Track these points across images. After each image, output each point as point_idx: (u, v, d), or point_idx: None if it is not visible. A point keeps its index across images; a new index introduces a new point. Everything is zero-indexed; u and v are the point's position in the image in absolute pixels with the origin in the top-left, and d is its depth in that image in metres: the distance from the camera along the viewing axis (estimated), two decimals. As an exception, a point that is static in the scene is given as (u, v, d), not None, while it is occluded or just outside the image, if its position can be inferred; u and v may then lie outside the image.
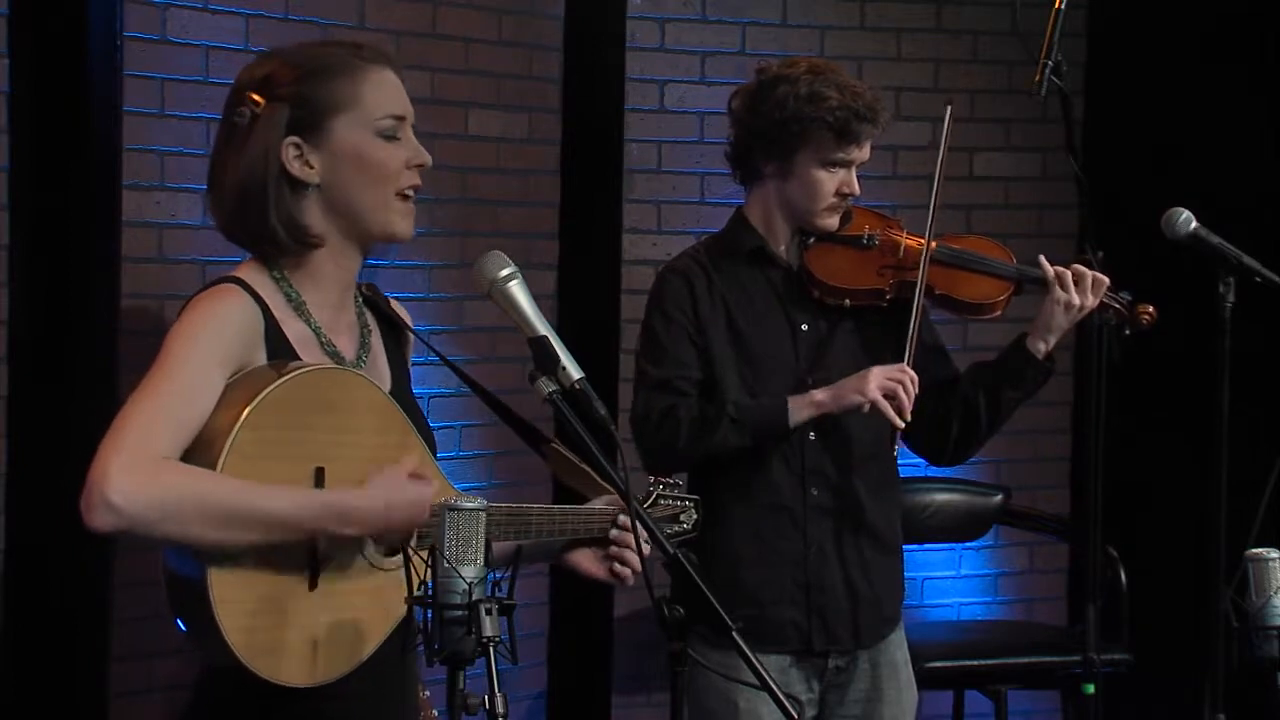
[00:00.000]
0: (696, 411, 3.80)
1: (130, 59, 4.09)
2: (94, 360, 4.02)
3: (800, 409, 3.80)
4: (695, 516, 3.22)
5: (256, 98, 2.79)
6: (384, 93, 2.82)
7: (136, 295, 4.11)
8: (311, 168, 2.79)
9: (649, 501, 3.17)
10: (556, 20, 5.13)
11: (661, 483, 3.20)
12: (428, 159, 2.85)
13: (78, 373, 3.98)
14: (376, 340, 2.92)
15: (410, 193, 2.84)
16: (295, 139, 2.78)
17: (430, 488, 2.74)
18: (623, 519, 3.00)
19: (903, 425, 3.76)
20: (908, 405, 3.74)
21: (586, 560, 3.06)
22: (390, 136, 2.82)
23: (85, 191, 4.04)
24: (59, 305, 3.99)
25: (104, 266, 4.07)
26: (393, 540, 2.73)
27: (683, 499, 3.21)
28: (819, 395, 3.80)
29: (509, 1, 4.98)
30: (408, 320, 3.02)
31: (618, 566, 3.02)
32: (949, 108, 4.02)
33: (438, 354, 3.03)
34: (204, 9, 4.25)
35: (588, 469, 2.88)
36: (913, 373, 3.77)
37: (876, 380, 3.74)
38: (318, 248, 2.80)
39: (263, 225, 2.77)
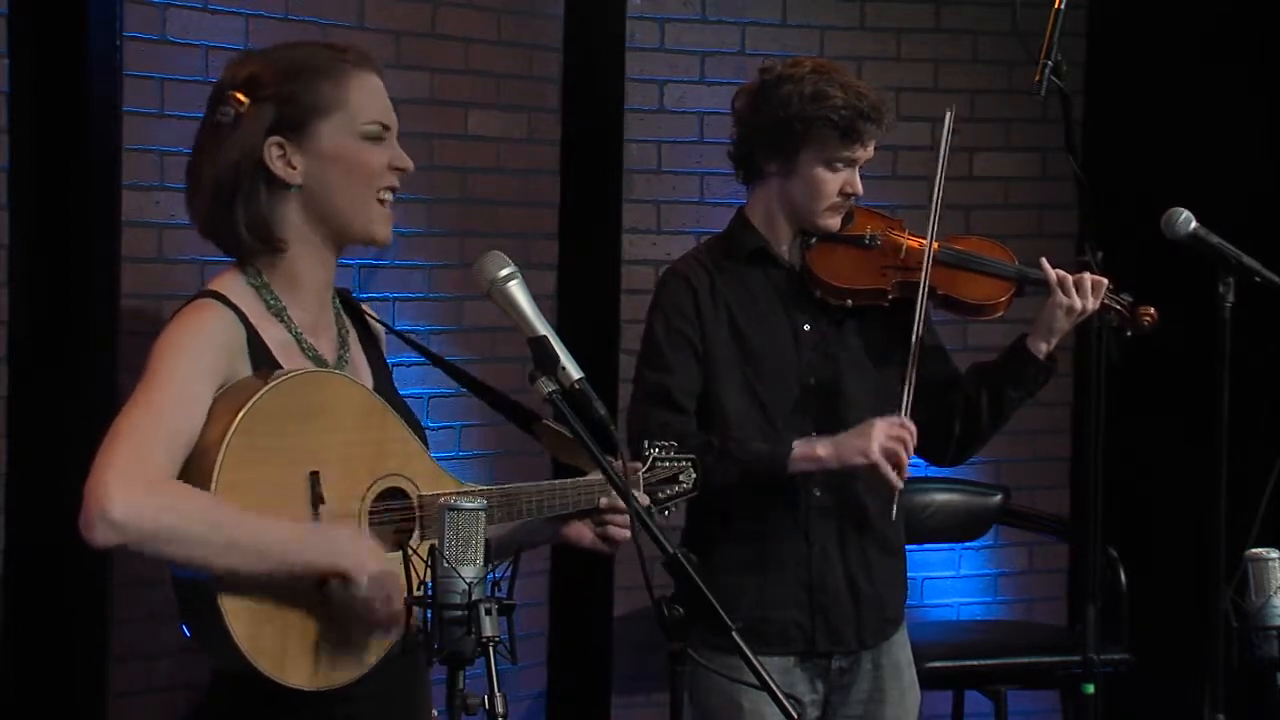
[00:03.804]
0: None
1: (130, 59, 4.09)
2: (94, 360, 4.01)
3: (801, 460, 3.77)
4: (694, 475, 3.21)
5: (241, 97, 2.79)
6: (370, 99, 2.84)
7: (136, 295, 4.11)
8: (294, 168, 2.79)
9: (646, 466, 3.16)
10: (556, 20, 5.12)
11: (658, 445, 3.19)
12: (409, 164, 2.87)
13: (78, 373, 3.98)
14: (355, 341, 2.93)
15: (388, 195, 2.85)
16: (279, 139, 2.78)
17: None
18: (606, 501, 3.01)
19: (900, 487, 3.76)
20: (906, 465, 3.75)
21: (578, 532, 3.06)
22: (374, 138, 2.83)
23: (85, 191, 4.03)
24: (59, 305, 3.99)
25: (104, 266, 4.07)
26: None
27: (679, 459, 3.20)
28: (821, 451, 3.77)
29: (509, 1, 4.97)
30: (378, 320, 3.02)
31: (611, 530, 3.02)
32: (950, 111, 4.01)
33: (419, 347, 3.02)
34: (204, 9, 4.25)
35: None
36: (912, 426, 3.76)
37: (879, 441, 3.73)
38: (281, 251, 2.81)
39: (230, 223, 2.78)
